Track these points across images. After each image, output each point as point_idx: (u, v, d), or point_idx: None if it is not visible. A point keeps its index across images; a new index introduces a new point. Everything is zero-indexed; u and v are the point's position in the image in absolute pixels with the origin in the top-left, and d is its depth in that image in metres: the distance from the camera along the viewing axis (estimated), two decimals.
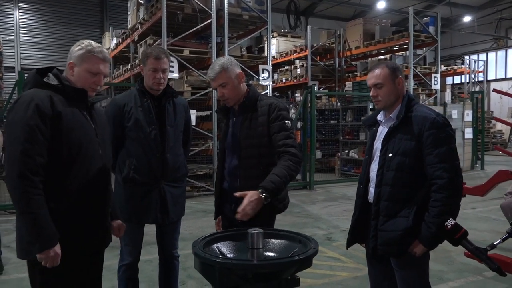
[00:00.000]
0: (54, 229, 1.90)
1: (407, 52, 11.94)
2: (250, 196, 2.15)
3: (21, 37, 16.01)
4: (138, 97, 2.79)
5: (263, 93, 9.47)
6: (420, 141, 2.15)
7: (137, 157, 2.75)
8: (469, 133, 12.06)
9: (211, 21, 8.67)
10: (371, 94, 2.31)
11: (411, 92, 11.36)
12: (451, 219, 1.82)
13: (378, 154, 2.28)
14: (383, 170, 2.23)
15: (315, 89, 12.07)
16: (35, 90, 1.98)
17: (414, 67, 11.57)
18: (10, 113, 1.97)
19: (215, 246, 1.81)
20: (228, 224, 2.60)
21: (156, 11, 8.72)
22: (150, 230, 3.06)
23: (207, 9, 8.66)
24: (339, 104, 12.69)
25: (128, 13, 11.07)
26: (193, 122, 8.33)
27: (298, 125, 9.96)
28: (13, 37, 16.14)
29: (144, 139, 2.75)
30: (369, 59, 14.18)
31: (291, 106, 10.43)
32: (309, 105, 9.65)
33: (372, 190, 2.30)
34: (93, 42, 2.13)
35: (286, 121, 2.47)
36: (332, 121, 12.91)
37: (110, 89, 13.36)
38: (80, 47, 2.08)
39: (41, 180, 1.90)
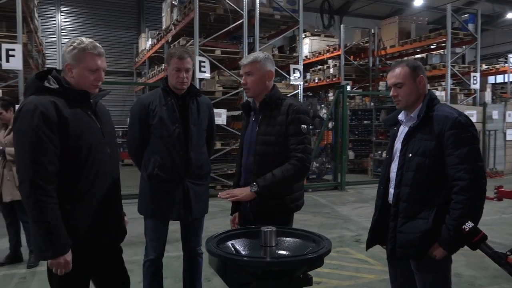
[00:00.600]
0: (67, 237, 1.93)
1: (445, 50, 11.58)
2: (241, 188, 2.41)
3: (62, 39, 16.64)
4: (162, 96, 2.85)
5: (294, 92, 9.45)
6: (440, 141, 2.09)
7: (161, 155, 2.81)
8: (510, 135, 11.54)
9: (243, 21, 8.73)
10: (391, 93, 2.26)
11: (448, 92, 11.02)
12: (469, 221, 1.76)
13: (398, 154, 2.24)
14: (402, 170, 2.19)
15: (348, 89, 11.93)
16: (37, 96, 1.96)
17: (452, 66, 11.20)
18: (16, 122, 1.95)
19: (229, 243, 1.83)
20: (243, 221, 2.63)
21: (188, 12, 8.87)
22: (179, 227, 3.12)
23: (239, 10, 8.72)
24: (372, 104, 12.46)
25: (163, 14, 11.31)
26: (224, 122, 8.42)
27: (330, 125, 9.87)
28: (55, 39, 16.82)
29: (168, 137, 2.81)
30: (404, 58, 13.84)
31: (323, 106, 10.31)
32: (341, 105, 9.53)
33: (391, 190, 2.25)
34: (84, 39, 2.08)
35: (302, 125, 2.49)
36: (365, 121, 12.70)
37: (145, 89, 13.72)
38: (72, 47, 2.03)
39: (53, 187, 1.91)
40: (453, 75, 11.47)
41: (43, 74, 2.05)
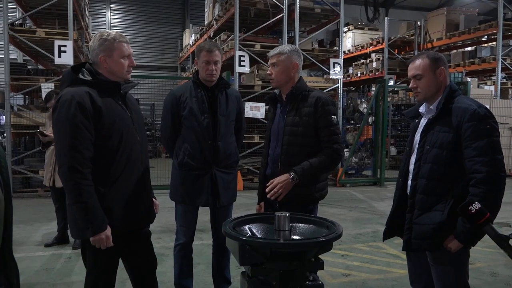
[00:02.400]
0: (103, 216, 2.10)
1: (496, 43, 11.06)
2: (279, 178, 2.41)
3: None
4: (193, 88, 2.99)
5: (333, 87, 9.40)
6: (459, 133, 2.07)
7: (191, 144, 2.96)
8: None
9: (283, 15, 8.77)
10: (410, 85, 2.26)
11: (498, 87, 10.54)
12: (476, 203, 1.74)
13: (417, 147, 2.25)
14: (420, 162, 2.19)
15: (392, 83, 11.66)
16: (73, 88, 2.11)
17: (503, 59, 10.69)
18: (55, 112, 2.11)
19: (246, 227, 1.93)
20: (269, 210, 2.71)
21: (229, 7, 9.03)
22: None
23: (279, 4, 8.78)
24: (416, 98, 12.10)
25: (205, 10, 11.56)
26: (262, 115, 8.53)
27: (370, 120, 9.73)
28: None
29: (198, 126, 2.95)
30: (452, 51, 13.34)
31: (363, 100, 10.17)
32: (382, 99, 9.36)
33: (409, 183, 2.27)
34: (109, 31, 2.27)
35: (332, 116, 2.58)
36: None
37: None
38: (102, 39, 2.20)
39: (89, 171, 2.07)
40: (504, 69, 10.94)
41: (77, 67, 2.22)
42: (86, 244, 2.21)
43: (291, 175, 2.48)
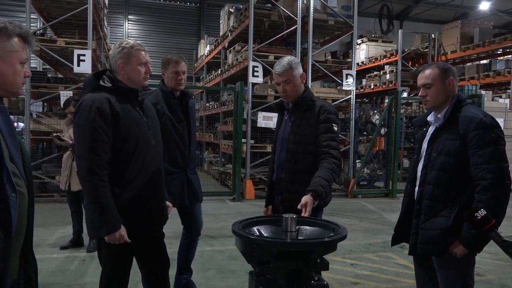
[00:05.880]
0: (118, 216, 2.20)
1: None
2: (309, 205, 2.28)
3: None
4: (163, 97, 3.17)
5: (346, 98, 9.46)
6: (465, 141, 2.13)
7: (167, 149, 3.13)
8: None
9: (297, 27, 8.90)
10: (419, 94, 2.33)
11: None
12: (482, 209, 1.80)
13: (424, 154, 2.30)
14: (427, 169, 2.25)
15: (405, 95, 11.66)
16: (93, 93, 2.24)
17: None
18: (76, 116, 2.23)
19: (255, 228, 2.00)
20: (276, 213, 2.78)
21: (244, 19, 9.20)
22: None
23: (293, 16, 8.92)
24: None
25: (220, 21, 11.77)
26: (275, 125, 8.60)
27: (382, 131, 9.74)
28: None
29: (175, 133, 3.16)
30: (467, 64, 13.29)
31: (376, 111, 10.19)
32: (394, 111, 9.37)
33: (416, 189, 2.32)
34: (128, 40, 2.40)
35: (334, 124, 2.63)
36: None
37: (203, 93, 14.27)
38: (121, 47, 2.31)
39: (106, 173, 2.18)
40: None
41: (99, 74, 2.34)
42: (101, 243, 2.31)
43: (315, 200, 2.36)
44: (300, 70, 2.71)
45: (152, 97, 3.18)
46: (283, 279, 1.78)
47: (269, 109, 8.74)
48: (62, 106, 5.87)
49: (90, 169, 2.15)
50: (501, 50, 11.83)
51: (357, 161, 9.94)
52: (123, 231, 2.22)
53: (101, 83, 2.28)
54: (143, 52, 2.35)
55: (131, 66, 2.32)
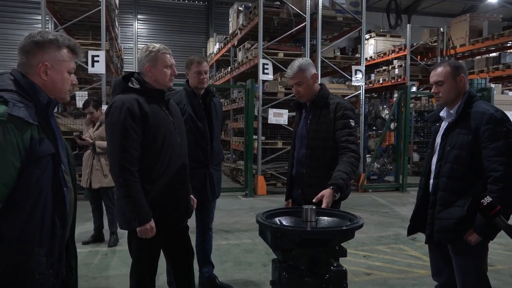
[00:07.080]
0: (148, 209, 2.35)
1: None
2: (326, 197, 2.38)
3: (139, 45, 17.93)
4: (187, 96, 3.32)
5: (355, 93, 9.54)
6: (477, 135, 2.25)
7: (189, 145, 3.29)
8: None
9: (306, 24, 9.00)
10: (432, 91, 2.45)
11: None
12: (488, 197, 1.93)
13: (438, 148, 2.43)
14: (441, 162, 2.38)
15: (414, 90, 11.70)
16: (123, 95, 2.38)
17: None
18: (107, 116, 2.38)
19: (277, 218, 2.14)
20: (296, 206, 2.91)
21: (253, 17, 9.31)
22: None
23: (302, 13, 9.01)
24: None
25: (229, 19, 11.88)
26: (285, 122, 8.74)
27: (392, 126, 9.81)
28: (132, 45, 18.18)
29: (196, 130, 3.29)
30: (476, 57, 13.27)
31: (385, 106, 10.26)
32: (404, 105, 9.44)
33: (431, 181, 2.45)
34: (155, 44, 2.55)
35: (350, 120, 2.77)
36: None
37: (212, 91, 14.42)
38: (149, 51, 2.47)
39: (137, 169, 2.33)
40: None
41: (127, 77, 2.50)
42: (132, 236, 2.47)
43: (335, 193, 2.46)
44: (311, 70, 2.82)
45: (177, 97, 3.33)
46: (305, 265, 1.91)
47: (279, 105, 8.86)
48: (82, 106, 6.05)
49: (122, 166, 2.30)
50: (510, 43, 11.79)
51: (367, 156, 10.04)
52: (153, 223, 2.37)
53: (130, 85, 2.43)
54: (168, 55, 2.50)
55: (158, 68, 2.46)
